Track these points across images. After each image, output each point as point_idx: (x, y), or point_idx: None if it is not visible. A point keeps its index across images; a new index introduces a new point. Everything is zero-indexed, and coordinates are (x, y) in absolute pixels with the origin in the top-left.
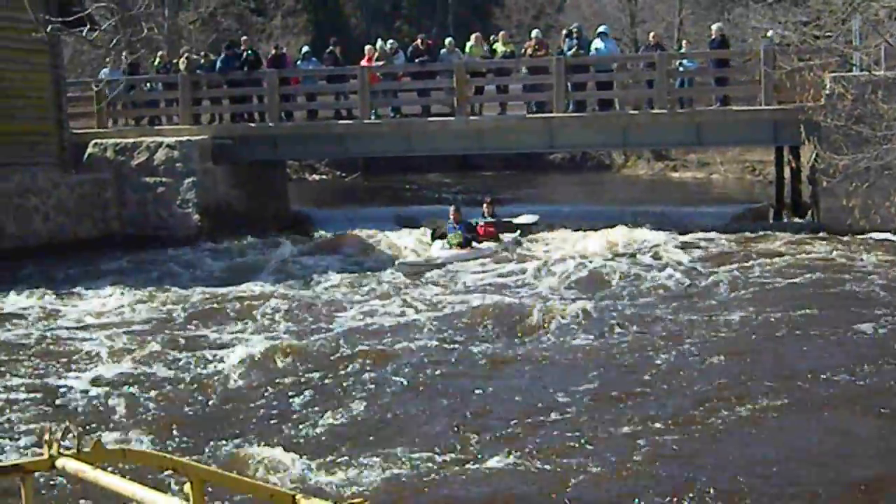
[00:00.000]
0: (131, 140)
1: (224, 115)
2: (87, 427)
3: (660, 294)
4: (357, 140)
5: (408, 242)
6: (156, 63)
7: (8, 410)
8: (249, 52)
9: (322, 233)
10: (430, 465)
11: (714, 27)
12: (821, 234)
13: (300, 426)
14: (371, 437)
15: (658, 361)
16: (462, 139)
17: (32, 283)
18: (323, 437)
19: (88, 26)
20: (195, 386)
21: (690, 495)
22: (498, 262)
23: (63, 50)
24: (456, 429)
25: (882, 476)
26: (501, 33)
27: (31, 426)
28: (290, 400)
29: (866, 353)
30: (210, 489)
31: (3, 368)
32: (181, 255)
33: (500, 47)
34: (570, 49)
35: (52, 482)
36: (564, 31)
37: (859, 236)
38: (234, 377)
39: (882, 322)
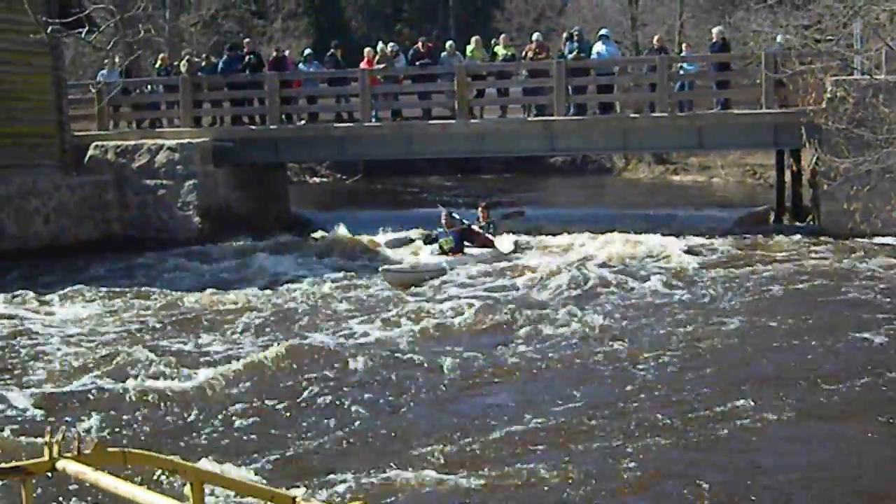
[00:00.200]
0: (132, 142)
1: (225, 117)
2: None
3: (660, 300)
4: (358, 143)
5: (398, 248)
6: (157, 65)
7: None
8: (252, 55)
9: (321, 234)
10: (415, 475)
11: (715, 31)
12: (822, 238)
13: (287, 437)
14: (356, 449)
15: (655, 369)
16: (463, 142)
17: (15, 287)
18: (306, 450)
19: (87, 27)
20: (167, 399)
21: None
22: (490, 269)
23: (64, 52)
24: (447, 440)
25: (884, 485)
26: (502, 36)
27: None
28: (275, 411)
29: (867, 359)
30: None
31: None
32: (172, 260)
33: (500, 50)
34: (570, 52)
35: (52, 484)
36: (565, 35)
37: (860, 240)
38: (213, 388)
39: (884, 328)
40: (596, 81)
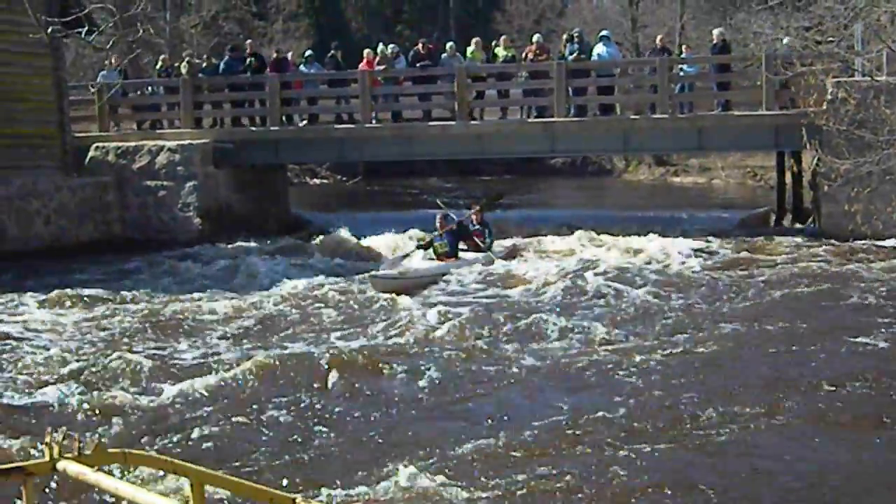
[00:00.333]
0: (133, 143)
1: (225, 118)
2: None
3: (659, 304)
4: (358, 144)
5: (389, 252)
6: (158, 67)
7: None
8: (254, 56)
9: (321, 237)
10: (404, 485)
11: (716, 32)
12: (822, 240)
13: (279, 443)
14: (340, 459)
15: (652, 374)
16: (463, 144)
17: (6, 289)
18: (300, 456)
19: (87, 28)
20: (135, 410)
21: None
22: (483, 276)
23: (65, 53)
24: (435, 449)
25: (884, 490)
26: (502, 38)
27: None
28: (249, 424)
29: (868, 362)
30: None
31: None
32: (166, 261)
33: (501, 52)
34: (571, 54)
35: (52, 485)
36: (566, 36)
37: (861, 242)
38: (182, 401)
39: (885, 332)
40: (596, 83)
